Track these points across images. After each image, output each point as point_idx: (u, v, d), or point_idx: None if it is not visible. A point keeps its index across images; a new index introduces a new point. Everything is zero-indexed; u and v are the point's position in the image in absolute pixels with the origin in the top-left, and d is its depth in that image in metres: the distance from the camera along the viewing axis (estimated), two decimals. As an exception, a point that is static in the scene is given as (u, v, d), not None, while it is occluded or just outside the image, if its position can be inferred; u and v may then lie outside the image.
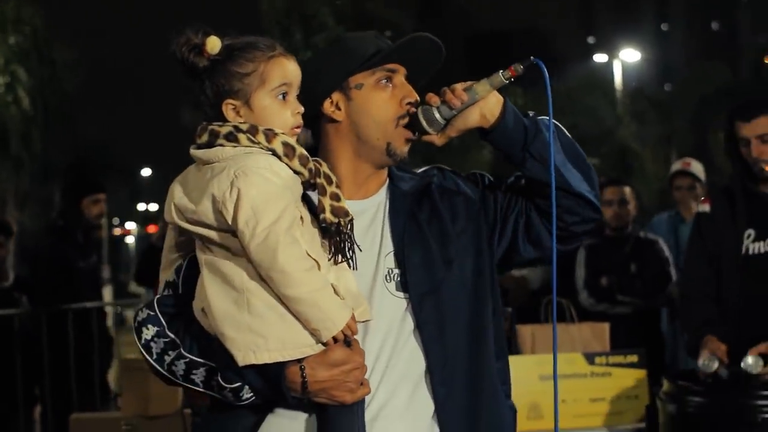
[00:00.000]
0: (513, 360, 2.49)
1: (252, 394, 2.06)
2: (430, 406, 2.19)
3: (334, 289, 2.03)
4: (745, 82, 32.10)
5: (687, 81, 33.45)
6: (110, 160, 35.83)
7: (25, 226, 23.22)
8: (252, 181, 1.98)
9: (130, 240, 48.79)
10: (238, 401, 2.08)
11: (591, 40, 50.79)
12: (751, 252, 3.93)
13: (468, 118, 2.22)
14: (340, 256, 2.09)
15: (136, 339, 2.14)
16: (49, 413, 6.30)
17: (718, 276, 3.98)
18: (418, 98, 2.26)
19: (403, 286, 2.21)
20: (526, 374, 4.01)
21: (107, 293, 13.08)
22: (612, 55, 32.67)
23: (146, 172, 48.47)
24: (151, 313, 2.14)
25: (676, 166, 6.76)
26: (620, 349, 4.32)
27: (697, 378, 3.72)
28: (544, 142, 2.21)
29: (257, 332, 1.99)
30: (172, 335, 2.12)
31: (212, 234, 2.04)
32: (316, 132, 2.31)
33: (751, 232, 3.94)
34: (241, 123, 2.06)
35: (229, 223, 1.99)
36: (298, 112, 2.11)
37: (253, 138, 2.04)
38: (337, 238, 2.09)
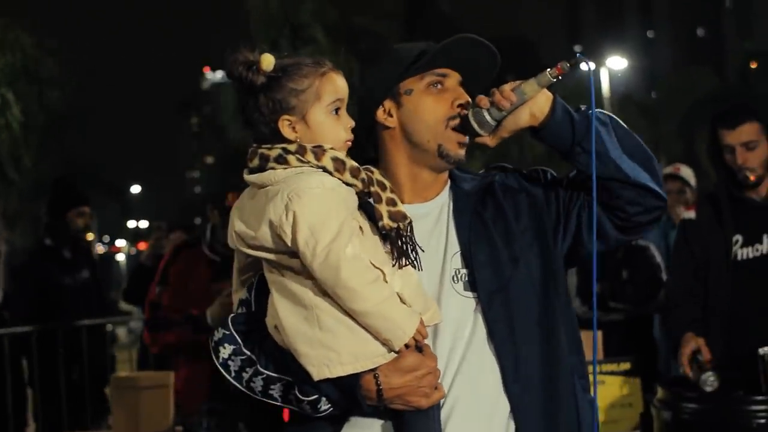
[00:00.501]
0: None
1: (329, 405, 2.10)
2: (505, 405, 2.18)
3: (400, 298, 2.05)
4: (731, 87, 32.27)
5: (673, 87, 33.61)
6: (100, 178, 35.81)
7: (15, 245, 23.14)
8: (306, 202, 2.00)
9: (120, 257, 48.71)
10: (316, 413, 2.12)
11: (577, 48, 51.04)
12: (739, 258, 3.92)
13: (519, 118, 2.22)
14: (404, 260, 2.11)
15: (214, 358, 2.18)
16: (40, 432, 6.25)
17: (705, 282, 3.97)
18: (470, 100, 2.26)
19: (471, 285, 2.21)
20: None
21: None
22: (598, 63, 32.78)
23: (136, 189, 48.43)
24: (227, 333, 2.18)
25: (666, 170, 6.77)
26: (613, 357, 4.31)
27: (690, 385, 3.71)
28: (597, 136, 2.20)
29: (329, 347, 2.02)
30: (248, 352, 2.15)
31: (275, 257, 2.08)
32: (374, 141, 2.33)
33: (738, 237, 3.93)
34: (288, 144, 2.09)
35: (289, 245, 2.02)
36: (350, 126, 2.15)
37: (302, 158, 2.07)
38: (399, 243, 2.11)
